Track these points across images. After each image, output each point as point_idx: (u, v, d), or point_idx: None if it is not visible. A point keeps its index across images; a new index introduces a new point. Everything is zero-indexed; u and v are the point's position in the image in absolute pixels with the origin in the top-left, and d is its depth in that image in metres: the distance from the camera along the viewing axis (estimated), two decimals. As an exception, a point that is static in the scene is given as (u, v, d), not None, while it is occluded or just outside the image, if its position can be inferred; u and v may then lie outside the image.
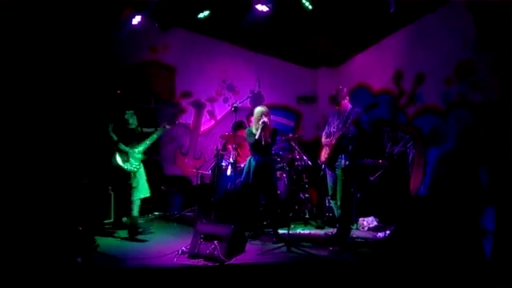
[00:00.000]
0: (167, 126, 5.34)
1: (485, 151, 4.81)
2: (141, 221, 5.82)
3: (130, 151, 5.05)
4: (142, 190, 5.10)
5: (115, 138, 5.04)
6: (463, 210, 4.55)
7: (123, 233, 5.12)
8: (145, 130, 5.33)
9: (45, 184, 5.12)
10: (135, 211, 5.06)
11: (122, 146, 5.03)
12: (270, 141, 4.97)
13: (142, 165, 5.17)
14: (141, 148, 5.13)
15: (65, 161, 5.40)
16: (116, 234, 5.15)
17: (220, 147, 6.33)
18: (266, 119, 4.89)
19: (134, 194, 5.04)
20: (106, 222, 5.54)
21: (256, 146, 5.02)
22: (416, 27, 6.08)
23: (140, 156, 5.12)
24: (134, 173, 5.03)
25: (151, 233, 5.29)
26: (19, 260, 3.87)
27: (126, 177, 5.02)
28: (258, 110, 5.01)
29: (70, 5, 5.57)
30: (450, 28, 5.39)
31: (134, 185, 5.02)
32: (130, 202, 5.04)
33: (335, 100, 4.93)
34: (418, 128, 5.92)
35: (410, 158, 5.85)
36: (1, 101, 5.23)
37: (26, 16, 5.40)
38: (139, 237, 4.98)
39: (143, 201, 5.60)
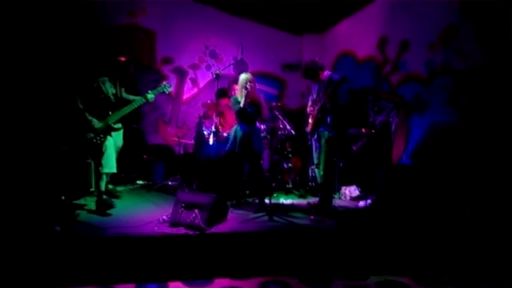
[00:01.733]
0: (150, 95, 5.07)
1: (469, 121, 4.82)
2: (120, 188, 5.78)
3: (96, 124, 4.82)
4: (106, 164, 4.84)
5: (81, 106, 4.82)
6: (448, 180, 4.62)
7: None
8: (126, 96, 5.11)
9: (23, 152, 4.99)
10: (101, 185, 4.85)
11: (89, 118, 4.81)
12: (255, 109, 4.90)
13: (111, 138, 4.92)
14: (113, 118, 4.89)
15: (43, 129, 5.24)
16: (87, 206, 4.94)
17: (202, 115, 6.24)
18: (248, 87, 4.79)
19: (99, 167, 4.85)
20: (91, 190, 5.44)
21: (242, 115, 4.94)
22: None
23: (110, 126, 4.88)
24: (100, 145, 4.81)
25: (118, 197, 5.25)
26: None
27: (97, 148, 4.83)
28: (243, 77, 4.91)
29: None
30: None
31: (99, 158, 4.83)
32: (97, 175, 4.89)
33: (308, 74, 4.87)
34: (401, 96, 5.89)
35: (393, 126, 5.84)
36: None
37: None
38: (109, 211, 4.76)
39: (126, 170, 5.54)
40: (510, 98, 4.27)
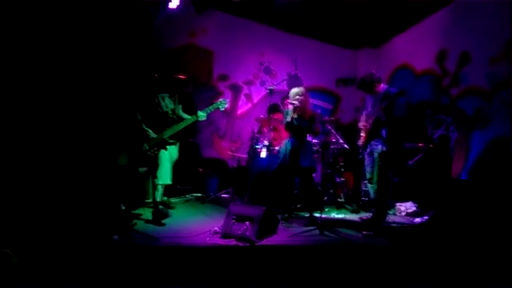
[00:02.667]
0: (202, 116, 5.19)
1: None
2: (175, 200, 5.97)
3: (152, 135, 5.02)
4: (161, 176, 5.00)
5: (139, 118, 5.06)
6: (505, 198, 4.34)
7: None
8: (181, 114, 5.32)
9: (83, 164, 5.32)
10: (156, 196, 5.03)
11: (145, 128, 5.02)
12: (306, 123, 4.90)
13: (166, 151, 5.08)
14: (168, 133, 5.06)
15: (103, 142, 5.56)
16: (143, 216, 5.15)
17: (256, 130, 6.35)
18: (298, 100, 4.82)
19: (154, 179, 5.03)
20: (146, 201, 5.69)
21: (290, 128, 4.98)
22: (460, 4, 5.76)
23: (165, 140, 5.06)
24: (155, 157, 4.99)
25: (172, 208, 5.43)
26: (57, 236, 4.07)
27: (153, 161, 5.02)
28: (294, 91, 4.96)
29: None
30: (497, 2, 5.05)
31: (155, 170, 5.00)
32: (153, 187, 5.07)
33: (363, 87, 4.81)
34: (461, 110, 5.63)
35: (453, 141, 5.58)
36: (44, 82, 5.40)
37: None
38: (163, 221, 4.92)
39: (181, 182, 5.72)
40: None
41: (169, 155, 5.14)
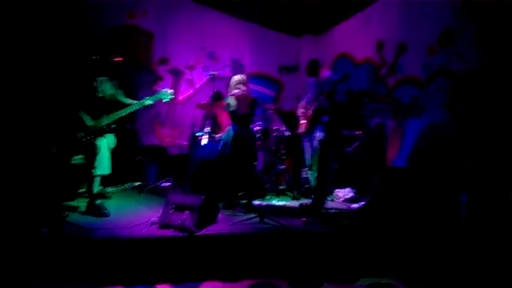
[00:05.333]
0: (147, 103, 4.90)
1: (465, 125, 4.77)
2: (111, 189, 5.72)
3: (88, 122, 4.73)
4: (99, 165, 4.70)
5: (75, 105, 4.76)
6: (440, 183, 4.57)
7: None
8: (123, 99, 4.98)
9: (11, 152, 4.95)
10: (93, 187, 4.74)
11: (81, 114, 4.72)
12: (248, 111, 4.86)
13: (104, 138, 4.79)
14: (106, 120, 4.76)
15: (31, 130, 5.19)
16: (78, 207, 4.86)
17: (198, 116, 6.21)
18: (240, 89, 4.76)
19: (93, 169, 4.70)
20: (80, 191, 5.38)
21: (234, 116, 4.91)
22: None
23: (102, 127, 4.76)
24: (92, 146, 4.69)
25: (107, 198, 5.19)
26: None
27: (89, 149, 4.72)
28: (236, 78, 4.89)
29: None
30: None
31: (91, 159, 4.69)
32: (89, 178, 4.75)
33: (311, 71, 4.84)
34: (397, 99, 5.84)
35: (389, 129, 5.79)
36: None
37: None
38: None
39: (118, 170, 5.45)
40: (509, 100, 4.23)
41: (106, 143, 4.84)
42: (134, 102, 4.90)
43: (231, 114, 4.88)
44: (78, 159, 5.20)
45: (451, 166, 4.70)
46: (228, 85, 5.43)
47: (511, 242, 3.67)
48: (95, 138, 4.71)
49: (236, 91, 4.78)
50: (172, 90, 5.11)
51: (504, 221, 3.90)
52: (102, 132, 4.77)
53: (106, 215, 4.62)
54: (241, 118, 4.88)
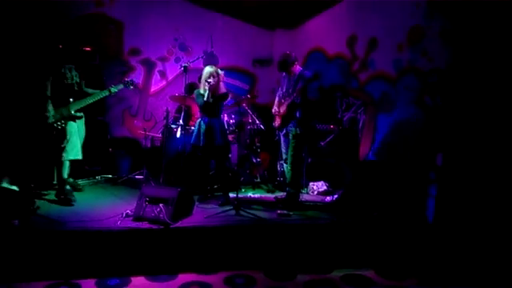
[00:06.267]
0: (113, 89, 5.03)
1: (433, 120, 4.93)
2: (83, 182, 5.60)
3: (51, 111, 4.68)
4: (70, 150, 4.70)
5: (48, 93, 4.68)
6: (410, 177, 4.73)
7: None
8: (85, 89, 5.02)
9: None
10: (63, 173, 4.72)
11: (50, 105, 4.68)
12: (218, 102, 4.83)
13: (74, 124, 4.80)
14: (75, 106, 4.78)
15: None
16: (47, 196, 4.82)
17: (171, 109, 6.14)
18: (212, 80, 4.73)
19: (62, 154, 4.68)
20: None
21: (205, 108, 4.87)
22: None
23: (71, 113, 4.76)
24: (62, 131, 4.68)
25: (79, 190, 5.12)
26: None
27: (60, 135, 4.69)
28: (207, 70, 4.83)
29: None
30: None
31: (62, 144, 4.67)
32: (58, 163, 4.71)
33: (283, 66, 4.87)
34: (369, 94, 5.96)
35: (361, 123, 5.92)
36: None
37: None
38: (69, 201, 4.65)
39: (90, 163, 5.36)
40: (474, 97, 4.40)
41: (77, 129, 4.81)
42: (97, 91, 4.98)
43: (201, 105, 4.85)
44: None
45: (419, 161, 4.86)
46: (200, 76, 5.41)
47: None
48: (65, 124, 4.68)
49: (206, 82, 4.74)
50: (134, 80, 5.32)
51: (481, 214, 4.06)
52: (71, 118, 4.75)
53: (70, 203, 4.59)
54: (210, 109, 4.86)
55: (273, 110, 5.03)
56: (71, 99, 4.80)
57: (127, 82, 5.21)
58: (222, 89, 4.91)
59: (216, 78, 4.78)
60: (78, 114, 4.86)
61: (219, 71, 4.88)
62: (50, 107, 4.66)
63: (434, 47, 5.00)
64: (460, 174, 4.33)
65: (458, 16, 4.70)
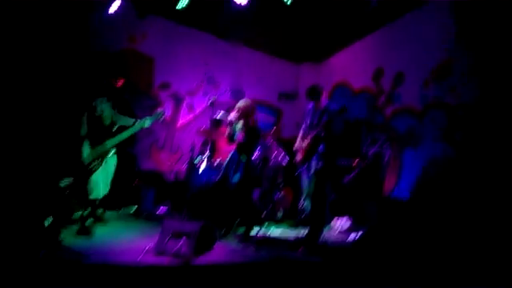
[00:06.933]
0: (148, 123, 5.02)
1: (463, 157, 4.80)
2: (108, 213, 5.66)
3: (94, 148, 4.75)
4: (93, 189, 4.76)
5: (84, 131, 4.77)
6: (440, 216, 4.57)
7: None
8: (118, 117, 5.04)
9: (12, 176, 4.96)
10: (86, 212, 4.79)
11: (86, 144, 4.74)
12: (243, 139, 4.84)
13: (104, 161, 4.83)
14: (111, 143, 4.81)
15: (27, 152, 5.20)
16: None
17: (197, 142, 6.23)
18: (231, 116, 4.78)
19: (87, 193, 4.76)
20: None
21: (232, 142, 4.95)
22: (397, 26, 6.06)
23: (97, 153, 4.76)
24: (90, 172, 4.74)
25: (103, 221, 5.19)
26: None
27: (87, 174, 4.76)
28: (243, 105, 4.90)
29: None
30: (430, 28, 5.37)
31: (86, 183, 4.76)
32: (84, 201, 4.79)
33: (312, 95, 4.87)
34: (394, 129, 5.89)
35: (386, 159, 5.81)
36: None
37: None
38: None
39: (116, 195, 5.44)
40: (505, 131, 4.27)
41: (105, 167, 4.86)
42: (132, 120, 4.97)
43: (228, 140, 4.92)
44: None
45: (454, 200, 4.71)
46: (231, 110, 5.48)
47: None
48: (101, 163, 4.73)
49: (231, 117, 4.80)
50: (163, 110, 5.27)
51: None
52: (106, 155, 4.79)
53: (88, 235, 4.63)
54: (246, 146, 4.90)
55: (295, 146, 5.00)
56: (104, 137, 4.79)
57: (159, 113, 5.19)
58: (251, 125, 4.91)
59: (237, 114, 4.82)
60: (111, 152, 4.85)
61: (240, 106, 4.91)
62: (87, 146, 4.72)
63: (462, 83, 4.93)
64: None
65: (486, 50, 4.64)
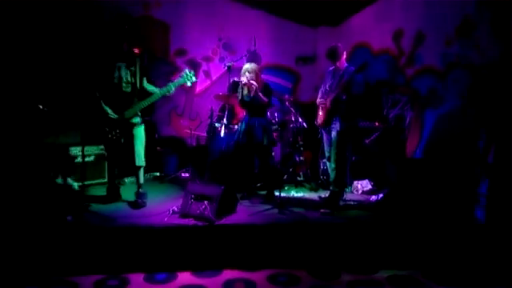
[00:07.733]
0: (173, 88, 4.76)
1: (484, 114, 4.71)
2: (131, 179, 5.73)
3: (110, 112, 4.68)
4: (139, 157, 4.75)
5: (97, 94, 4.70)
6: (458, 175, 4.55)
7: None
8: (146, 85, 4.89)
9: (34, 143, 5.07)
10: (140, 178, 4.83)
11: (104, 106, 4.67)
12: (256, 100, 4.81)
13: (137, 130, 4.75)
14: (131, 112, 4.68)
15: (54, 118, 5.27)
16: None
17: (215, 108, 6.24)
18: (245, 78, 4.75)
19: (136, 159, 4.75)
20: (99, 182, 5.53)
21: (243, 106, 4.94)
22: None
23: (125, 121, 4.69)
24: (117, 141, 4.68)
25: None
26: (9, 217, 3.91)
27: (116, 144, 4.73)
28: (244, 67, 4.87)
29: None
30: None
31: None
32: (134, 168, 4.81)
33: (332, 56, 4.78)
34: (415, 90, 5.79)
35: (407, 120, 5.74)
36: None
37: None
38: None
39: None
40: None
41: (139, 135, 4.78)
42: (157, 90, 4.79)
43: (240, 103, 4.93)
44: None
45: (468, 157, 4.66)
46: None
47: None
48: (122, 135, 4.68)
49: (242, 79, 4.78)
50: (192, 71, 4.96)
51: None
52: (128, 126, 4.71)
53: (142, 206, 4.65)
54: (249, 107, 4.90)
55: (317, 101, 4.92)
56: (125, 103, 4.70)
57: (187, 74, 4.89)
58: (255, 84, 4.80)
59: (251, 75, 4.78)
60: (135, 121, 4.74)
61: (254, 67, 4.84)
62: (109, 111, 4.67)
63: (486, 40, 4.77)
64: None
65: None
